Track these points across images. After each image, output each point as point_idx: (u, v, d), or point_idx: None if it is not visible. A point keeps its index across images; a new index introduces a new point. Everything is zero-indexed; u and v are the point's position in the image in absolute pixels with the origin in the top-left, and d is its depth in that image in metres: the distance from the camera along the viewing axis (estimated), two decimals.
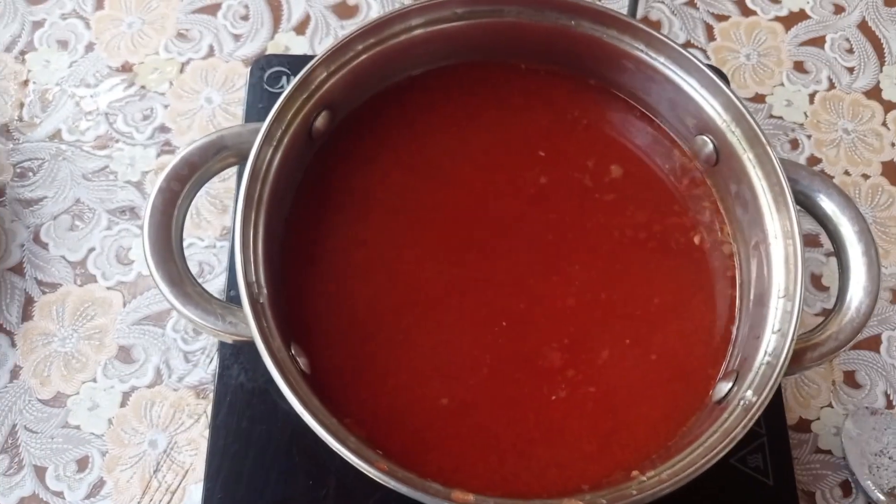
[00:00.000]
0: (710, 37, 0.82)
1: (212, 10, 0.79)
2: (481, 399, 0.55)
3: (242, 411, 0.59)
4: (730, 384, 0.53)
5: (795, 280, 0.53)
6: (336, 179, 0.60)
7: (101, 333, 0.66)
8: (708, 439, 0.50)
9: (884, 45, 0.83)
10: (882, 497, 0.63)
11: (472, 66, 0.64)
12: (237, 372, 0.60)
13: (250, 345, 0.49)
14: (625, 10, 0.78)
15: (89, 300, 0.67)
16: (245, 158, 0.54)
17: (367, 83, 0.61)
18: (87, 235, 0.69)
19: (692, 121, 0.61)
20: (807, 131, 0.78)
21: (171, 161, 0.54)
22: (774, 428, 0.61)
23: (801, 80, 0.81)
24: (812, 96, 0.80)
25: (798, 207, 0.55)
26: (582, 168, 0.62)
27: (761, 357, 0.52)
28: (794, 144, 0.78)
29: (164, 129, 0.73)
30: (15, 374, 0.64)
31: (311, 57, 0.57)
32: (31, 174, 0.71)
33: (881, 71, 0.82)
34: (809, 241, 0.73)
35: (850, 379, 0.69)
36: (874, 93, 0.81)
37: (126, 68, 0.76)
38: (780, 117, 0.79)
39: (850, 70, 0.81)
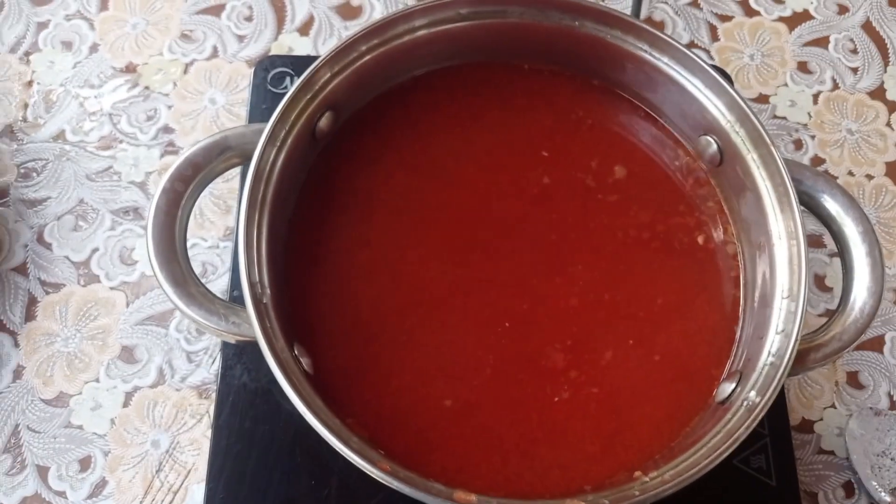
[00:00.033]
0: (714, 37, 0.82)
1: (215, 11, 0.79)
2: (484, 400, 0.55)
3: (245, 411, 0.59)
4: (733, 385, 0.53)
5: (799, 280, 0.53)
6: (340, 180, 0.60)
7: (104, 333, 0.66)
8: (711, 440, 0.50)
9: (888, 46, 0.83)
10: (886, 497, 0.63)
11: (476, 66, 0.64)
12: (240, 372, 0.60)
13: (253, 345, 0.49)
14: (628, 11, 0.78)
15: (92, 300, 0.67)
16: (249, 159, 0.54)
17: (370, 84, 0.61)
18: (90, 236, 0.69)
19: (696, 121, 0.60)
20: (810, 132, 0.78)
21: (175, 162, 0.54)
22: (777, 429, 0.61)
23: (804, 81, 0.80)
24: (816, 97, 0.80)
25: (802, 208, 0.54)
26: (585, 168, 0.62)
27: (765, 358, 0.52)
28: (798, 145, 0.78)
29: (167, 129, 0.74)
30: (18, 373, 0.64)
31: (315, 58, 0.56)
32: (34, 175, 0.71)
33: (885, 71, 0.81)
34: (813, 242, 0.72)
35: (854, 380, 0.69)
36: (878, 93, 0.80)
37: (130, 69, 0.76)
38: (784, 118, 0.79)
39: (854, 70, 0.81)
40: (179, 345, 0.66)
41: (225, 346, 0.62)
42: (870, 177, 0.77)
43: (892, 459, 0.64)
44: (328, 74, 0.57)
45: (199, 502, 0.60)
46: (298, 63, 0.71)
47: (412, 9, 0.58)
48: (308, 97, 0.56)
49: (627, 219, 0.61)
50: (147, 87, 0.75)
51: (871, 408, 0.67)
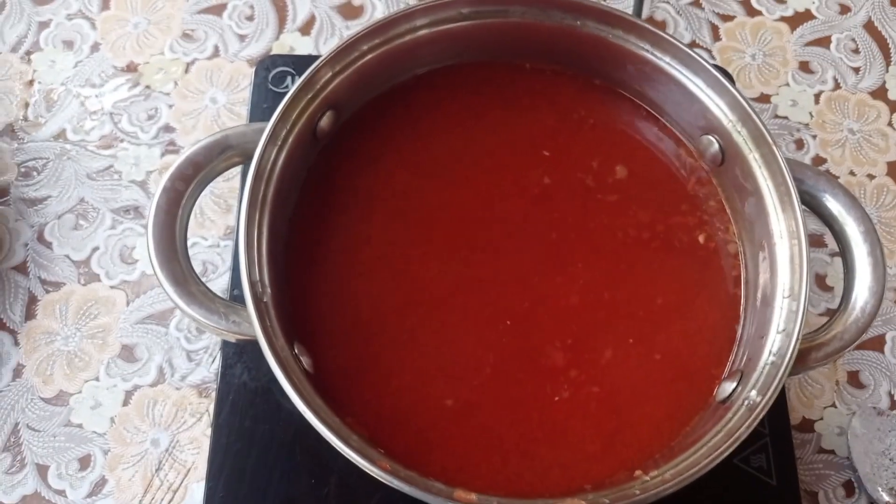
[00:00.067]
0: (716, 37, 0.82)
1: (217, 10, 0.79)
2: (485, 399, 0.55)
3: (245, 410, 0.59)
4: (734, 384, 0.53)
5: (801, 280, 0.53)
6: (340, 179, 0.60)
7: (104, 332, 0.66)
8: (711, 439, 0.50)
9: (890, 46, 0.83)
10: (885, 497, 0.63)
11: (478, 65, 0.64)
12: (240, 371, 0.60)
13: (253, 344, 0.49)
14: (630, 11, 0.77)
15: (93, 299, 0.67)
16: (249, 158, 0.54)
17: (371, 83, 0.61)
18: (91, 235, 0.69)
19: (698, 121, 0.60)
20: (812, 131, 0.78)
21: (176, 160, 0.54)
22: (778, 428, 0.61)
23: (806, 81, 0.80)
24: (817, 96, 0.80)
25: (803, 207, 0.54)
26: (586, 168, 0.62)
27: (766, 357, 0.52)
28: (800, 144, 0.78)
29: (168, 128, 0.74)
30: (18, 372, 0.64)
31: (316, 57, 0.56)
32: (35, 173, 0.71)
33: (887, 71, 0.81)
34: (814, 242, 0.72)
35: (854, 379, 0.69)
36: (880, 93, 0.80)
37: (131, 68, 0.76)
38: (786, 117, 0.79)
39: (856, 70, 0.81)
40: (179, 343, 0.66)
41: (225, 344, 0.62)
42: (871, 176, 0.77)
43: (891, 459, 0.64)
44: (329, 74, 0.57)
45: (198, 501, 0.60)
46: (300, 62, 0.71)
47: (413, 8, 0.58)
48: (309, 96, 0.56)
49: (627, 218, 0.61)
50: (148, 87, 0.75)
51: (874, 407, 0.67)
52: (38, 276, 0.67)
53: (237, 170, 0.64)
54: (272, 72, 0.71)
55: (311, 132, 0.58)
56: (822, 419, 0.67)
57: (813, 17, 0.84)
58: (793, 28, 0.83)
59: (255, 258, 0.51)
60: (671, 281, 0.59)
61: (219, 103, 0.75)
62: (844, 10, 0.84)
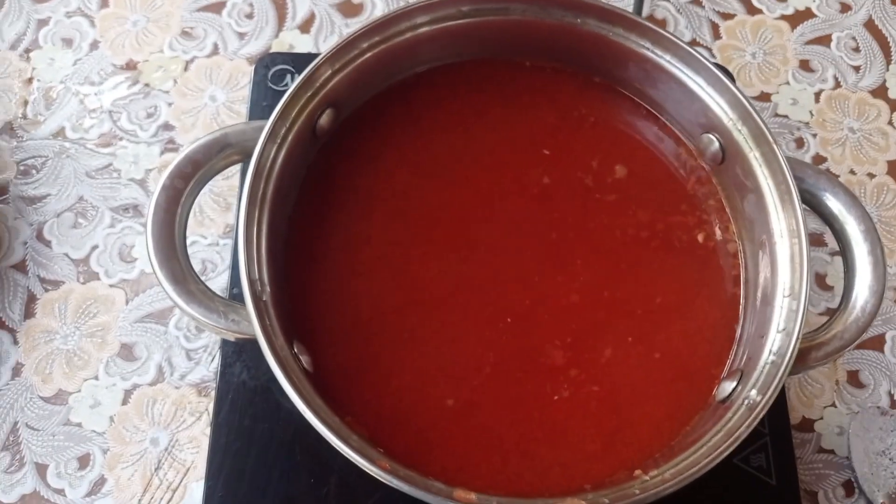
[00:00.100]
0: (716, 35, 0.82)
1: (216, 8, 0.79)
2: (485, 399, 0.55)
3: (244, 409, 0.59)
4: (734, 383, 0.53)
5: (801, 279, 0.53)
6: (340, 177, 0.60)
7: (103, 331, 0.66)
8: (711, 439, 0.50)
9: (890, 44, 0.83)
10: (879, 498, 0.63)
11: (478, 63, 0.64)
12: (239, 370, 0.60)
13: (253, 343, 0.49)
14: (630, 9, 0.77)
15: (92, 298, 0.67)
16: (249, 156, 0.54)
17: (371, 81, 0.61)
18: (90, 233, 0.69)
19: (698, 119, 0.60)
20: (812, 130, 0.78)
21: (175, 159, 0.53)
22: (778, 427, 0.61)
23: (806, 79, 0.80)
24: (818, 95, 0.80)
25: (804, 206, 0.54)
26: (586, 168, 0.62)
27: (766, 356, 0.52)
28: (800, 143, 0.77)
29: (167, 126, 0.73)
30: (17, 371, 0.64)
31: (316, 55, 0.56)
32: (34, 172, 0.71)
33: (887, 69, 0.81)
34: (814, 241, 0.72)
35: (854, 378, 0.69)
36: (880, 91, 0.80)
37: (130, 66, 0.76)
38: (786, 116, 0.78)
39: (857, 69, 0.81)
40: (179, 342, 0.66)
41: (224, 343, 0.62)
42: (871, 175, 0.77)
43: (891, 459, 0.64)
44: (329, 72, 0.57)
45: (197, 500, 0.60)
46: (299, 60, 0.71)
47: (413, 6, 0.58)
48: (308, 94, 0.56)
49: (627, 218, 0.61)
50: (147, 85, 0.75)
51: (878, 407, 0.67)
52: (37, 274, 0.67)
53: (237, 168, 0.64)
54: (272, 70, 0.70)
55: (311, 130, 0.58)
56: (821, 419, 0.67)
57: (813, 16, 0.84)
58: (793, 26, 0.83)
59: (254, 256, 0.51)
60: (671, 280, 0.59)
61: (218, 101, 0.75)
62: (845, 8, 0.84)
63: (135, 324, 0.66)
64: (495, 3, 0.60)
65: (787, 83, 0.80)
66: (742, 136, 0.57)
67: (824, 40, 0.82)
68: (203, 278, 0.59)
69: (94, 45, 0.77)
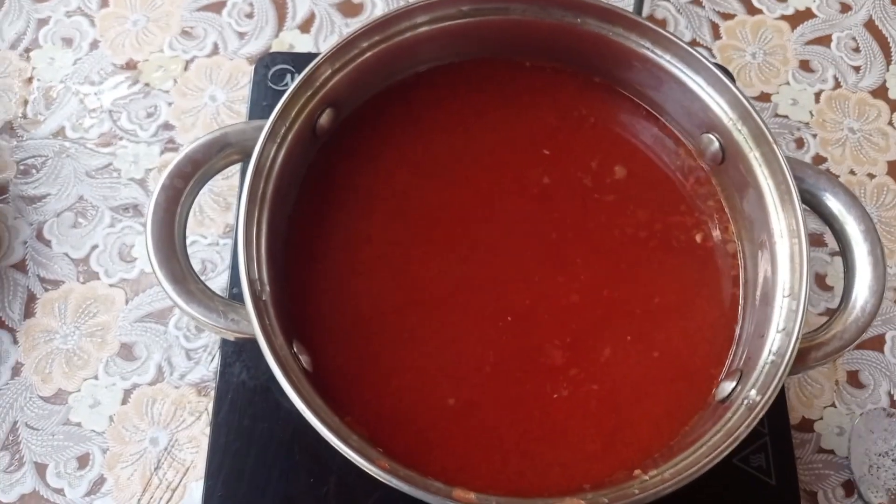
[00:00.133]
0: (716, 35, 0.82)
1: (216, 7, 0.79)
2: (485, 398, 0.55)
3: (244, 409, 0.59)
4: (733, 383, 0.53)
5: (801, 279, 0.53)
6: (340, 177, 0.60)
7: (103, 331, 0.66)
8: (711, 438, 0.50)
9: (890, 44, 0.83)
10: (874, 499, 0.63)
11: (479, 63, 0.64)
12: (239, 369, 0.60)
13: (252, 342, 0.49)
14: (630, 8, 0.77)
15: (92, 297, 0.67)
16: (249, 156, 0.53)
17: (371, 81, 0.61)
18: (90, 233, 0.69)
19: (698, 119, 0.60)
20: (812, 130, 0.78)
21: (175, 158, 0.53)
22: (777, 427, 0.61)
23: (806, 79, 0.80)
24: (818, 95, 0.80)
25: (804, 206, 0.54)
26: (585, 168, 0.62)
27: (765, 356, 0.52)
28: (800, 143, 0.77)
29: (167, 126, 0.73)
30: (17, 370, 0.64)
31: (316, 55, 0.56)
32: (34, 171, 0.71)
33: (887, 70, 0.81)
34: (814, 241, 0.72)
35: (854, 379, 0.69)
36: (880, 92, 0.80)
37: (130, 66, 0.76)
38: (786, 116, 0.78)
39: (857, 69, 0.81)
40: (178, 342, 0.66)
41: (224, 343, 0.62)
42: (871, 175, 0.77)
43: (892, 461, 0.64)
44: (329, 71, 0.57)
45: (197, 500, 0.60)
46: (299, 60, 0.71)
47: (413, 5, 0.58)
48: (308, 94, 0.56)
49: (626, 217, 0.60)
50: (147, 84, 0.75)
51: (884, 409, 0.67)
52: (36, 274, 0.67)
53: (236, 168, 0.64)
54: (272, 69, 0.70)
55: (311, 130, 0.57)
56: (821, 419, 0.67)
57: (814, 16, 0.84)
58: (793, 26, 0.83)
59: (254, 256, 0.51)
60: (670, 280, 0.59)
61: (218, 101, 0.75)
62: (845, 8, 0.84)
63: (134, 323, 0.66)
64: (495, 3, 0.60)
65: (787, 83, 0.80)
66: (742, 136, 0.57)
67: (824, 40, 0.82)
68: (203, 278, 0.59)
69: (94, 45, 0.77)
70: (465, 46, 0.63)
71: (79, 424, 0.63)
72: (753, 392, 0.51)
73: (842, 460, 0.66)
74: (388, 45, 0.59)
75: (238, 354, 0.61)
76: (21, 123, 0.73)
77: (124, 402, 0.64)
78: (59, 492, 0.61)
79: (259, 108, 0.69)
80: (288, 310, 0.54)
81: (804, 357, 0.52)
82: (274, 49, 0.78)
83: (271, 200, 0.54)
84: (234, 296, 0.62)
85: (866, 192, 0.76)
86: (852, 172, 0.76)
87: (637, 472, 0.51)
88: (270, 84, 0.70)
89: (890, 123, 0.79)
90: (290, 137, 0.55)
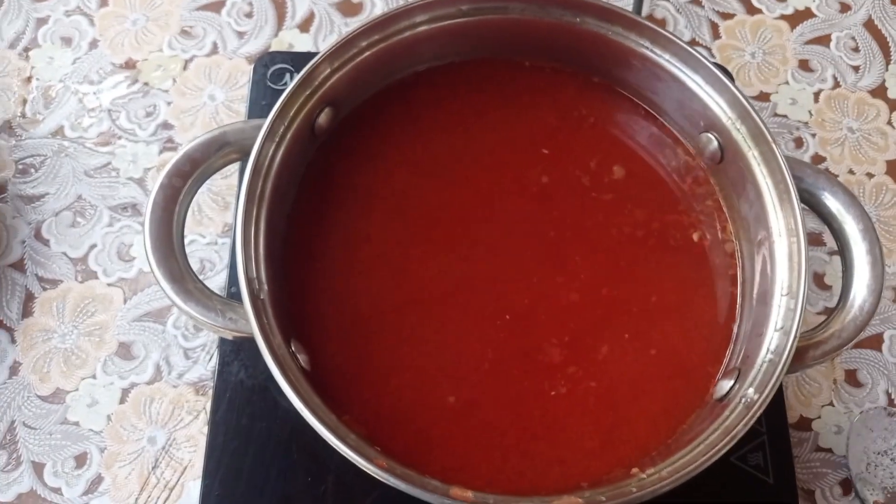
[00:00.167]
0: (716, 35, 0.82)
1: (216, 7, 0.79)
2: (484, 397, 0.55)
3: (242, 408, 0.59)
4: (731, 382, 0.53)
5: (799, 277, 0.53)
6: (339, 176, 0.60)
7: (101, 330, 0.66)
8: (709, 437, 0.50)
9: (890, 44, 0.83)
10: (870, 497, 0.63)
11: (479, 62, 0.64)
12: (237, 369, 0.60)
13: (250, 341, 0.49)
14: (629, 8, 0.77)
15: (90, 297, 0.67)
16: (247, 155, 0.53)
17: (370, 80, 0.61)
18: (88, 232, 0.69)
19: (697, 118, 0.60)
20: (811, 130, 0.78)
21: (174, 157, 0.53)
22: (775, 426, 0.61)
23: (806, 79, 0.80)
24: (817, 95, 0.80)
25: (802, 205, 0.54)
26: (584, 167, 0.62)
27: (763, 355, 0.52)
28: (799, 143, 0.77)
29: (166, 126, 0.73)
30: (14, 370, 0.64)
31: (315, 54, 0.56)
32: (33, 170, 0.71)
33: (887, 69, 0.81)
34: (812, 240, 0.72)
35: (852, 377, 0.69)
36: (879, 91, 0.80)
37: (129, 65, 0.76)
38: (785, 115, 0.78)
39: (856, 69, 0.81)
40: (177, 341, 0.66)
41: (222, 342, 0.62)
42: (870, 175, 0.77)
43: (890, 460, 0.64)
44: (328, 70, 0.57)
45: (195, 499, 0.59)
46: (298, 59, 0.71)
47: (413, 5, 0.58)
48: (307, 93, 0.56)
49: (624, 217, 0.60)
50: (146, 84, 0.75)
51: (884, 408, 0.67)
52: (35, 273, 0.67)
53: (235, 167, 0.64)
54: (271, 69, 0.70)
55: (310, 129, 0.57)
56: (819, 417, 0.67)
57: (813, 16, 0.84)
58: (793, 26, 0.83)
59: (252, 255, 0.51)
60: (668, 279, 0.59)
61: (217, 100, 0.75)
62: (845, 8, 0.84)
63: (133, 322, 0.66)
64: (494, 2, 0.60)
65: (787, 83, 0.80)
66: (741, 135, 0.57)
67: (824, 40, 0.82)
68: (201, 277, 0.59)
69: (94, 44, 0.77)
70: (465, 46, 0.63)
71: (76, 423, 0.63)
72: (751, 390, 0.51)
73: (839, 459, 0.66)
74: (387, 45, 0.59)
75: (236, 353, 0.61)
76: (20, 122, 0.73)
77: (122, 401, 0.64)
78: (57, 491, 0.61)
79: (258, 107, 0.69)
80: (286, 309, 0.54)
81: (802, 356, 0.52)
82: (273, 48, 0.78)
83: (270, 199, 0.54)
84: (233, 295, 0.62)
85: (865, 191, 0.76)
86: (851, 172, 0.77)
87: (635, 470, 0.51)
88: (269, 83, 0.70)
89: (889, 123, 0.79)
90: (288, 136, 0.55)
